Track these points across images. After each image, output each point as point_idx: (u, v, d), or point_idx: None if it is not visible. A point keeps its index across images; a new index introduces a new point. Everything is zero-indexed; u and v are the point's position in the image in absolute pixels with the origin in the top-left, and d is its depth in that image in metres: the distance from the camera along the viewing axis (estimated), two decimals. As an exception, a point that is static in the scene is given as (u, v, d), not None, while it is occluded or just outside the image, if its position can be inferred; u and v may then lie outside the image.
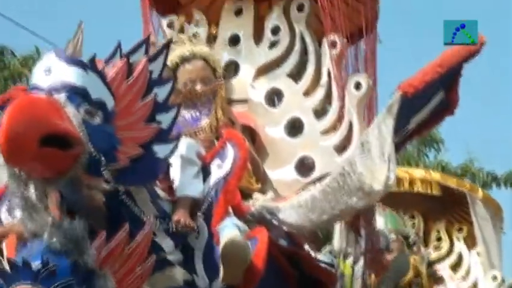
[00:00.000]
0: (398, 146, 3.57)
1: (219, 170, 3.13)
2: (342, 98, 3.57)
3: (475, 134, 17.92)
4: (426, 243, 6.92)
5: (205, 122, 3.47)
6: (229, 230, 2.97)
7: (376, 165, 3.13)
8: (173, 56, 3.61)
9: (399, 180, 6.58)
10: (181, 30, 3.80)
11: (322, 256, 5.74)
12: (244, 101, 3.76)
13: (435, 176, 6.92)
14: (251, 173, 3.48)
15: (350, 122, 3.54)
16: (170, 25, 3.90)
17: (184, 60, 3.61)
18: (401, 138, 3.54)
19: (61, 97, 2.66)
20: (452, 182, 6.91)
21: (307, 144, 3.60)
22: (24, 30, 9.69)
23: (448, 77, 3.41)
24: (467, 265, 6.93)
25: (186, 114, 3.48)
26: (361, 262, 6.05)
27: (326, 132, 3.59)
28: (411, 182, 6.74)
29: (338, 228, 6.59)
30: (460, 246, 7.01)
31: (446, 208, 7.07)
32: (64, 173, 2.62)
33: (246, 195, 3.39)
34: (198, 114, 3.49)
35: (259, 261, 3.01)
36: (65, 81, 2.70)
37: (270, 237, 3.10)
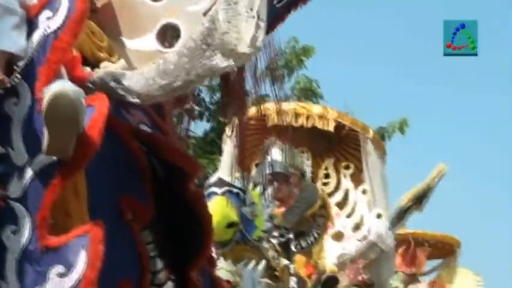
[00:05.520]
0: (279, 12, 3.01)
1: (48, 23, 2.53)
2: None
3: (353, 90, 18.28)
4: (313, 180, 6.84)
5: None
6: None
7: (242, 22, 2.57)
8: None
9: (297, 115, 6.63)
10: None
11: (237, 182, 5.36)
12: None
13: (333, 113, 6.90)
14: (101, 36, 2.89)
15: (224, -20, 2.93)
16: None
17: None
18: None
19: None
20: (347, 120, 6.92)
21: (172, 9, 2.95)
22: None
23: None
24: (353, 202, 6.88)
25: None
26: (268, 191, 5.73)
27: (194, -6, 2.98)
28: (309, 118, 6.72)
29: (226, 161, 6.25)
30: (346, 183, 6.98)
31: (335, 145, 7.09)
32: None
33: (92, 64, 2.81)
34: None
35: (95, 133, 2.43)
36: None
37: (110, 108, 2.53)
